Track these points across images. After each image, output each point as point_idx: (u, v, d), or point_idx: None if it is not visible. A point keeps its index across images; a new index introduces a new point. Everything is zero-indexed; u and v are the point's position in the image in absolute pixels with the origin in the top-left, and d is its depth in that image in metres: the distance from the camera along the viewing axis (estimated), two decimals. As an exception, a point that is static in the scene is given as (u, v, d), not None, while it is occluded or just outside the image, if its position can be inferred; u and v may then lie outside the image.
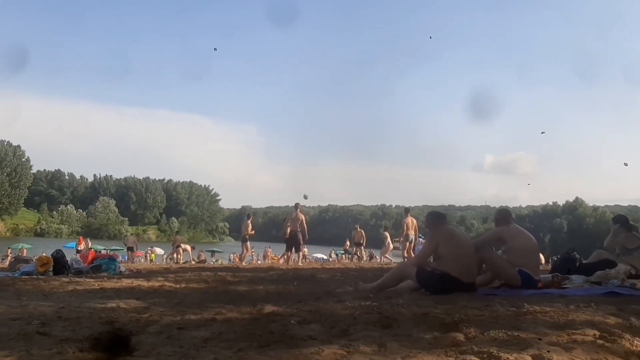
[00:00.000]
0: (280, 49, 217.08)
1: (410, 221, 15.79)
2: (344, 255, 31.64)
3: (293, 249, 14.95)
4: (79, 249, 24.51)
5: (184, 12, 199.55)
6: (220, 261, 28.92)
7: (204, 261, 25.74)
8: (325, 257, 35.86)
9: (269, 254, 30.77)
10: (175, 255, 22.29)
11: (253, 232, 16.74)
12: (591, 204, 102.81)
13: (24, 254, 20.24)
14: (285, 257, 15.62)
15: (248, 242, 16.73)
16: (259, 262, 23.09)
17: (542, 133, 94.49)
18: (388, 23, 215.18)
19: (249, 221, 16.84)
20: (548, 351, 2.13)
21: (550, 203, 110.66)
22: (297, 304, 3.97)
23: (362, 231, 20.93)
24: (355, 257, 20.91)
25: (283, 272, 8.99)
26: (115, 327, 2.95)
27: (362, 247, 21.02)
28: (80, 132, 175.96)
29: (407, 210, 17.06)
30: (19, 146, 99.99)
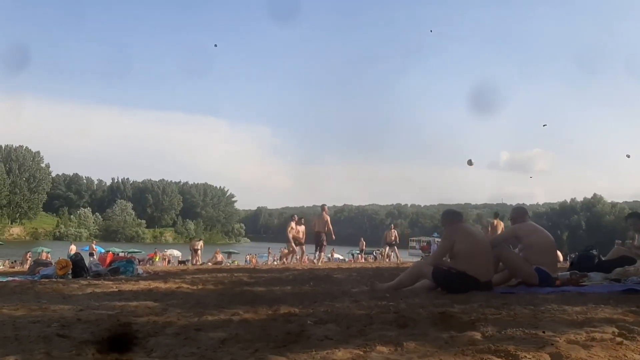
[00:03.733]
0: (292, 46, 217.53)
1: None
2: (360, 255, 31.62)
3: (317, 248, 14.96)
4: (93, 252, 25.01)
5: (188, 11, 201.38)
6: (236, 262, 29.03)
7: (221, 262, 25.88)
8: (341, 257, 35.85)
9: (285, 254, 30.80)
10: (196, 259, 22.83)
11: (300, 235, 16.09)
12: (610, 201, 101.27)
13: (49, 258, 20.61)
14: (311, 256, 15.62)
15: (292, 243, 16.37)
16: (275, 262, 23.11)
17: (543, 125, 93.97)
18: (393, 18, 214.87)
19: (293, 223, 16.08)
20: (566, 349, 2.11)
21: (568, 200, 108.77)
22: (313, 304, 3.98)
23: (395, 231, 20.85)
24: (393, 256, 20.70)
25: (299, 272, 8.99)
26: (133, 329, 2.98)
27: (396, 247, 20.81)
28: (95, 135, 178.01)
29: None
30: (38, 152, 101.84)
